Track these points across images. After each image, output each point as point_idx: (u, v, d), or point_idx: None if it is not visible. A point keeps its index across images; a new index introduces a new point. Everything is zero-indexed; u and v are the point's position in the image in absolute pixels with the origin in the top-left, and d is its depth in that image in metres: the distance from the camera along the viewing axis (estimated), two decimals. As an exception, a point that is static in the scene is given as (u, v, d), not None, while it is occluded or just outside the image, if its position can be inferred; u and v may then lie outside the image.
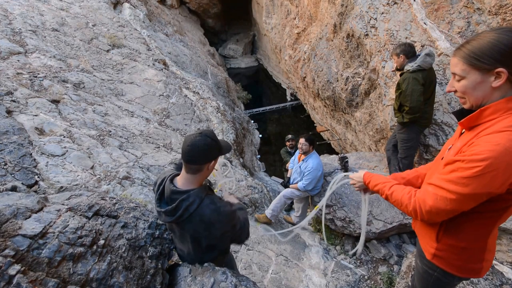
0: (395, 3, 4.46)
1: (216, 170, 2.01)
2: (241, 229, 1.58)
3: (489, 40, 1.07)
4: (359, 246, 1.97)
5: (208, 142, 1.41)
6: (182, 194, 1.42)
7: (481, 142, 1.08)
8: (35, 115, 3.69)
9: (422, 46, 3.94)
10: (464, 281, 2.47)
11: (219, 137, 6.54)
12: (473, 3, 3.48)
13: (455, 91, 1.22)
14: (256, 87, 17.43)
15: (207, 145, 1.41)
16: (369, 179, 1.56)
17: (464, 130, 1.30)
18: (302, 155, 4.14)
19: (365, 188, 1.66)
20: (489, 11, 3.31)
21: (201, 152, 1.40)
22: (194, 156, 1.40)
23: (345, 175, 1.83)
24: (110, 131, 4.39)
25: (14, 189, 2.26)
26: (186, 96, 7.03)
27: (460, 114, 1.29)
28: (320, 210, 2.11)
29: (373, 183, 1.52)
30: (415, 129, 3.56)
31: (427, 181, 1.28)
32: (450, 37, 3.73)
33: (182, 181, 1.48)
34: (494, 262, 2.96)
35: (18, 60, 4.72)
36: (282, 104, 14.77)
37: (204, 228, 1.44)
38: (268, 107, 14.54)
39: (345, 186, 4.18)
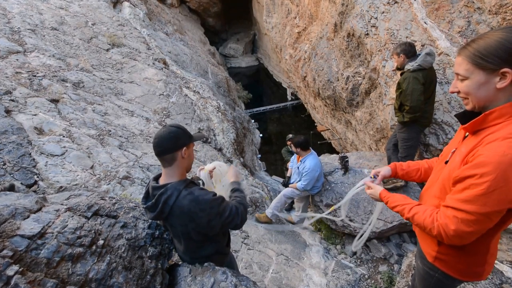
0: (396, 2, 4.44)
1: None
2: (232, 215, 1.51)
3: (495, 39, 1.03)
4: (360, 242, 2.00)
5: (172, 130, 1.47)
6: (160, 189, 1.45)
7: (486, 152, 1.05)
8: (34, 115, 3.68)
9: (423, 45, 3.93)
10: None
11: (220, 137, 6.58)
12: (473, 2, 3.47)
13: (458, 92, 1.19)
14: (257, 86, 17.43)
15: (172, 132, 1.46)
16: (387, 199, 1.49)
17: (467, 133, 1.26)
18: (300, 156, 4.14)
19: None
20: (489, 10, 3.30)
21: (167, 140, 1.44)
22: (162, 146, 1.45)
23: (360, 186, 1.80)
24: (110, 131, 4.38)
25: (12, 187, 2.25)
26: (187, 95, 7.02)
27: (463, 116, 1.25)
28: (331, 212, 2.16)
29: (392, 204, 1.44)
30: (415, 129, 3.55)
31: (443, 204, 1.21)
32: (451, 36, 3.72)
33: (163, 178, 1.53)
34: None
35: (17, 59, 4.71)
36: (283, 104, 14.76)
37: (189, 219, 1.44)
38: (268, 107, 14.54)
39: (345, 186, 4.17)
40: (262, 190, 5.31)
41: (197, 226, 1.46)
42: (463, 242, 1.16)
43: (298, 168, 4.12)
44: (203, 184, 1.85)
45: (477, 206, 1.06)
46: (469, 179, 1.08)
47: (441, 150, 3.81)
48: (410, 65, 3.22)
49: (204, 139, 6.01)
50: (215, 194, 1.51)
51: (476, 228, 1.10)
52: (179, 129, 1.49)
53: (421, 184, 3.89)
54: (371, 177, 1.77)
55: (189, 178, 1.67)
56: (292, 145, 6.03)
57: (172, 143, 1.45)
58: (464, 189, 1.10)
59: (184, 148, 1.49)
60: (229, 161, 6.13)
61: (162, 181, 1.51)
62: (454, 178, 1.16)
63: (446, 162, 1.34)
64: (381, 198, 1.54)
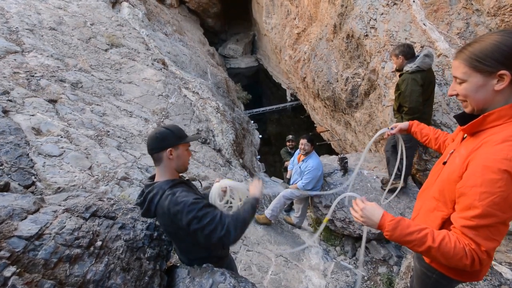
0: (395, 4, 4.45)
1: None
2: (214, 223, 1.34)
3: (491, 42, 1.04)
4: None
5: (160, 131, 1.52)
6: (149, 187, 1.49)
7: (489, 157, 1.04)
8: (32, 115, 3.66)
9: (422, 47, 3.94)
10: (463, 283, 2.47)
11: (219, 138, 6.57)
12: (472, 4, 3.48)
13: (457, 95, 1.19)
14: (256, 87, 17.44)
15: (158, 133, 1.50)
16: (395, 224, 1.17)
17: (466, 134, 1.26)
18: (302, 156, 4.13)
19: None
20: (488, 12, 3.30)
21: (153, 140, 1.49)
22: (149, 145, 1.51)
23: (380, 133, 1.82)
24: (108, 131, 4.37)
25: (7, 185, 2.23)
26: (186, 96, 7.01)
27: (462, 117, 1.25)
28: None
29: (405, 230, 1.15)
30: None
31: (457, 227, 1.13)
32: (449, 38, 3.73)
33: (156, 176, 1.57)
34: (493, 262, 2.95)
35: (15, 59, 4.69)
36: (282, 105, 14.79)
37: (170, 220, 1.43)
38: (268, 108, 14.57)
39: (344, 187, 4.17)
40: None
41: (180, 228, 1.42)
42: (491, 259, 1.12)
43: (300, 167, 4.11)
44: (200, 185, 1.81)
45: (497, 216, 1.02)
46: (476, 188, 1.05)
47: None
48: (409, 67, 3.23)
49: (203, 139, 6.00)
50: (197, 198, 1.41)
51: (500, 239, 1.07)
52: (167, 130, 1.52)
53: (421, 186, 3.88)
54: (388, 128, 1.89)
55: (185, 177, 1.68)
56: (291, 145, 6.06)
57: (157, 143, 1.49)
58: (473, 202, 1.05)
59: (170, 149, 1.50)
60: (228, 162, 6.12)
61: (155, 180, 1.55)
62: (458, 190, 1.13)
63: (444, 163, 1.34)
64: (382, 225, 1.21)
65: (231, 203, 1.75)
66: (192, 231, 1.37)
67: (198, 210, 1.36)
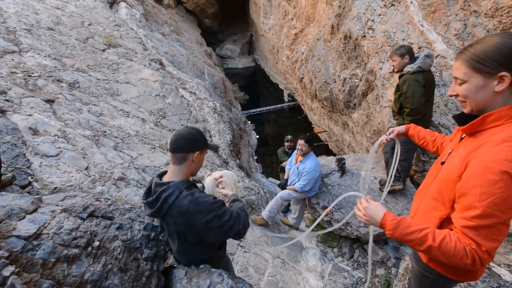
0: (392, 4, 4.47)
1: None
2: (233, 219, 1.48)
3: (492, 43, 1.04)
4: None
5: (192, 132, 1.53)
6: (163, 186, 1.46)
7: (488, 157, 1.04)
8: (29, 115, 3.64)
9: (419, 48, 3.95)
10: (461, 284, 2.47)
11: (216, 138, 6.57)
12: (469, 5, 3.50)
13: (457, 95, 1.19)
14: (254, 87, 17.45)
15: (191, 134, 1.52)
16: (396, 223, 1.18)
17: (464, 134, 1.27)
18: (300, 157, 4.13)
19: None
20: (485, 13, 3.32)
21: (185, 140, 1.49)
22: (178, 143, 1.48)
23: (379, 140, 1.79)
24: (105, 132, 4.35)
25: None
26: (183, 96, 7.00)
27: (461, 118, 1.25)
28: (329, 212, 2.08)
29: (406, 229, 1.16)
30: None
31: (457, 227, 1.13)
32: (447, 39, 3.75)
33: (168, 175, 1.54)
34: (491, 264, 2.96)
35: (12, 59, 4.66)
36: (280, 105, 14.80)
37: (185, 220, 1.43)
38: (265, 108, 14.58)
39: (342, 188, 4.18)
40: (258, 192, 5.29)
41: (193, 227, 1.45)
42: (492, 258, 1.11)
43: (297, 168, 4.10)
44: (203, 188, 1.82)
45: (498, 217, 1.02)
46: (476, 189, 1.05)
47: (437, 152, 3.82)
48: (410, 67, 3.19)
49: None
50: (214, 198, 1.50)
51: (501, 239, 1.07)
52: (198, 133, 1.55)
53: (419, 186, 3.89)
54: (386, 134, 1.90)
55: (191, 179, 1.67)
56: (290, 145, 6.06)
57: (188, 144, 1.49)
58: (473, 202, 1.05)
59: (198, 152, 1.53)
60: (225, 162, 6.12)
61: (166, 179, 1.52)
62: (458, 190, 1.13)
63: (443, 163, 1.35)
64: (384, 224, 1.22)
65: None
66: (210, 229, 1.43)
67: (218, 209, 1.45)
